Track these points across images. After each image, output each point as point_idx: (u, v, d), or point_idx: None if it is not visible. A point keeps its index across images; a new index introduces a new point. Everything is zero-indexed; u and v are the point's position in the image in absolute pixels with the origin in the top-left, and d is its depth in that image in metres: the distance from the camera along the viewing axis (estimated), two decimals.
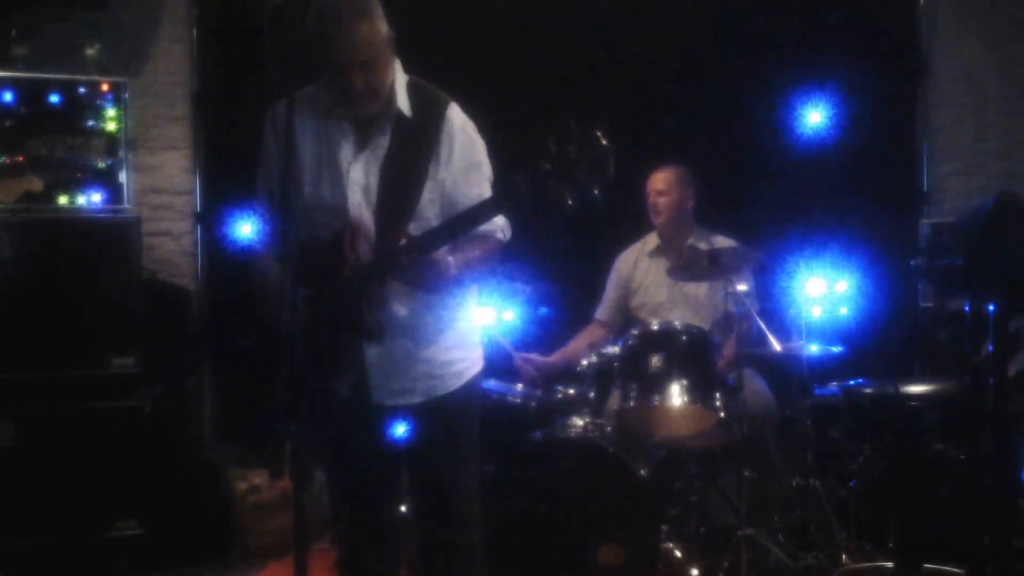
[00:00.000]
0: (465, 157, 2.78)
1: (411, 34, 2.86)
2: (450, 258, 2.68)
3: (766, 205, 5.31)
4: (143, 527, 4.37)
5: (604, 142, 2.33)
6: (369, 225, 2.72)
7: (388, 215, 2.72)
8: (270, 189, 2.77)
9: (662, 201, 4.65)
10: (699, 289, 4.60)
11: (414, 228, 2.71)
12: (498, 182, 2.79)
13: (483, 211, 2.62)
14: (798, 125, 5.42)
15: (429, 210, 2.76)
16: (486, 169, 2.84)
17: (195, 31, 5.29)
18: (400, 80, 2.77)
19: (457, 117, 2.80)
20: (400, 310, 2.74)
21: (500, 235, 2.82)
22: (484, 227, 2.76)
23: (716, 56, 5.43)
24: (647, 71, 5.45)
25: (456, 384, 2.88)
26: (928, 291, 4.99)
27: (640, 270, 4.78)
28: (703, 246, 4.51)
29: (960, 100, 5.58)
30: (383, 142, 2.74)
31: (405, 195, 2.73)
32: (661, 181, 4.67)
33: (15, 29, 4.74)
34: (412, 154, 2.73)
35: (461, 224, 2.64)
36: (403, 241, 2.60)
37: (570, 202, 2.36)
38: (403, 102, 2.74)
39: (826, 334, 4.36)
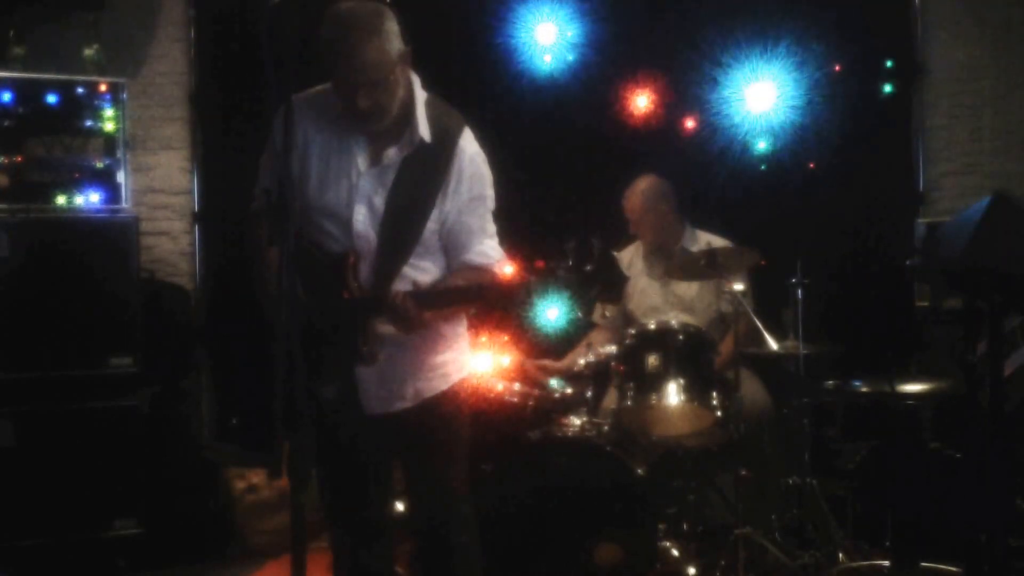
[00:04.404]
0: (472, 190, 2.78)
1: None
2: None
3: (762, 204, 5.33)
4: (142, 526, 4.37)
5: (622, 270, 2.39)
6: (373, 246, 2.73)
7: (392, 239, 2.73)
8: (267, 188, 2.77)
9: (643, 227, 4.65)
10: (690, 290, 4.61)
11: (416, 255, 2.74)
12: (508, 279, 2.79)
13: (493, 293, 2.63)
14: (794, 124, 5.47)
15: (431, 238, 2.77)
16: (490, 202, 2.84)
17: (193, 32, 5.29)
18: (419, 98, 2.75)
19: (469, 146, 2.79)
20: (390, 328, 2.73)
21: (497, 267, 2.81)
22: (482, 260, 2.78)
23: (712, 55, 5.44)
24: (644, 65, 5.47)
25: (444, 385, 2.90)
26: (924, 290, 5.00)
27: (635, 272, 4.77)
28: (695, 247, 4.52)
29: (955, 100, 5.60)
30: (396, 161, 2.73)
31: (411, 222, 2.73)
32: (633, 209, 4.66)
33: (13, 29, 4.73)
34: (423, 181, 2.73)
35: (465, 296, 2.68)
36: (399, 296, 2.61)
37: (580, 315, 2.44)
38: (423, 127, 2.72)
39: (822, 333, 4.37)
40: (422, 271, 2.77)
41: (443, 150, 2.74)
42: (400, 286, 2.69)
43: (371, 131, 2.73)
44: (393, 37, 2.62)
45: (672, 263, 4.47)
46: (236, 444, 5.13)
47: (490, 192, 2.84)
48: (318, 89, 2.78)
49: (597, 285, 2.40)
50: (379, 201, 2.73)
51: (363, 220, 2.73)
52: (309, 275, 2.57)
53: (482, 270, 2.76)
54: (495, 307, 2.71)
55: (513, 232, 3.04)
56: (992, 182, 5.45)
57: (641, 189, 4.68)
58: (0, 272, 4.26)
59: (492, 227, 2.85)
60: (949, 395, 4.07)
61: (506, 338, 4.45)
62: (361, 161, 2.75)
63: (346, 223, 2.74)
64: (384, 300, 2.63)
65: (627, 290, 4.77)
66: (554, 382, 4.35)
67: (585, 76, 5.41)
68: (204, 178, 5.33)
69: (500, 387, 4.16)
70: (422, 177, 2.73)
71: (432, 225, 2.75)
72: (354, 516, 2.95)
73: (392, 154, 2.73)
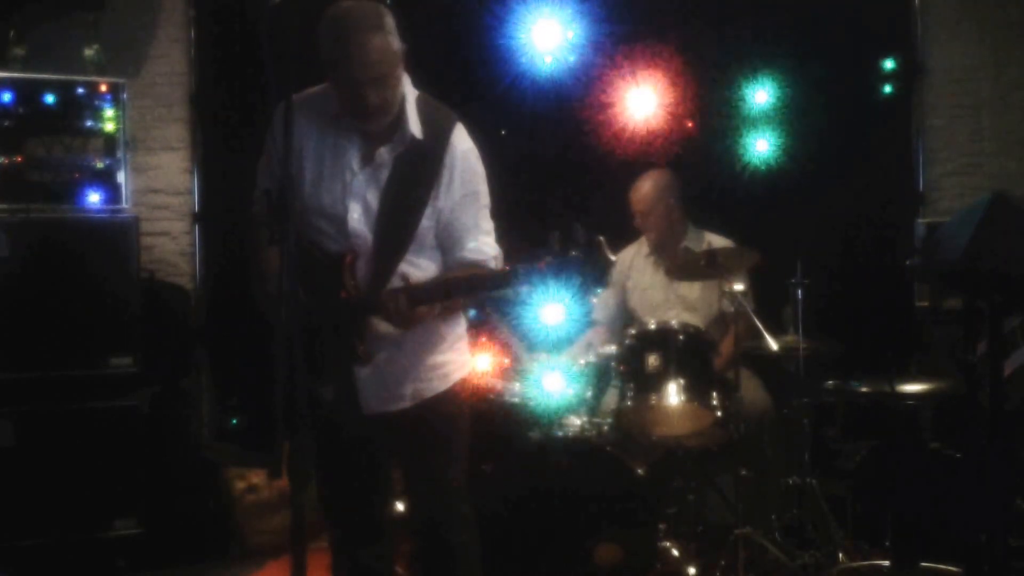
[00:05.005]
0: (464, 186, 2.78)
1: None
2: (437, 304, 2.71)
3: (762, 204, 5.33)
4: (142, 526, 4.37)
5: (607, 253, 2.40)
6: (369, 245, 2.73)
7: (388, 238, 2.73)
8: (267, 189, 2.77)
9: (649, 221, 4.66)
10: (693, 289, 4.61)
11: (412, 252, 2.75)
12: (496, 269, 2.79)
13: (482, 283, 2.65)
14: (794, 124, 5.47)
15: (427, 235, 2.78)
16: (484, 198, 2.85)
17: (193, 32, 5.29)
18: (410, 97, 2.76)
19: (461, 143, 2.79)
20: (388, 328, 2.74)
21: (493, 264, 2.81)
22: (477, 257, 2.78)
23: (711, 55, 5.45)
24: (644, 66, 5.47)
25: (443, 386, 2.90)
26: (924, 290, 5.01)
27: (636, 270, 4.79)
28: (698, 247, 4.52)
29: (955, 100, 5.60)
30: (389, 160, 2.74)
31: (406, 220, 2.74)
32: (642, 201, 4.66)
33: (13, 29, 4.74)
34: (416, 179, 2.74)
35: (456, 288, 2.68)
36: (395, 290, 2.63)
37: (566, 300, 2.45)
38: (415, 124, 2.73)
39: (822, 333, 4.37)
40: (419, 268, 2.78)
41: (435, 147, 2.75)
42: (397, 284, 2.70)
43: (365, 130, 2.74)
44: (395, 32, 2.65)
45: (674, 262, 4.48)
46: (236, 444, 5.13)
47: (483, 188, 2.84)
48: (312, 90, 2.79)
49: (584, 270, 2.39)
50: (373, 200, 2.74)
51: (358, 219, 2.74)
52: (307, 275, 2.57)
53: (477, 267, 2.77)
54: (487, 299, 2.73)
55: (514, 232, 3.04)
56: (992, 182, 5.45)
57: (651, 181, 4.68)
58: (0, 272, 4.26)
59: (488, 224, 2.85)
60: (949, 395, 4.07)
61: (504, 337, 4.46)
62: (355, 161, 2.76)
63: (341, 223, 2.75)
64: (377, 298, 2.64)
65: (628, 287, 4.78)
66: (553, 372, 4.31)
67: (585, 77, 5.41)
68: (204, 178, 5.33)
69: (500, 387, 4.16)
70: (415, 174, 2.74)
71: (427, 222, 2.76)
72: (354, 516, 2.95)
73: (385, 153, 2.74)
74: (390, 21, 2.64)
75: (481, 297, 2.81)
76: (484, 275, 2.67)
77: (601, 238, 2.41)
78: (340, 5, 2.65)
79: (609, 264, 2.41)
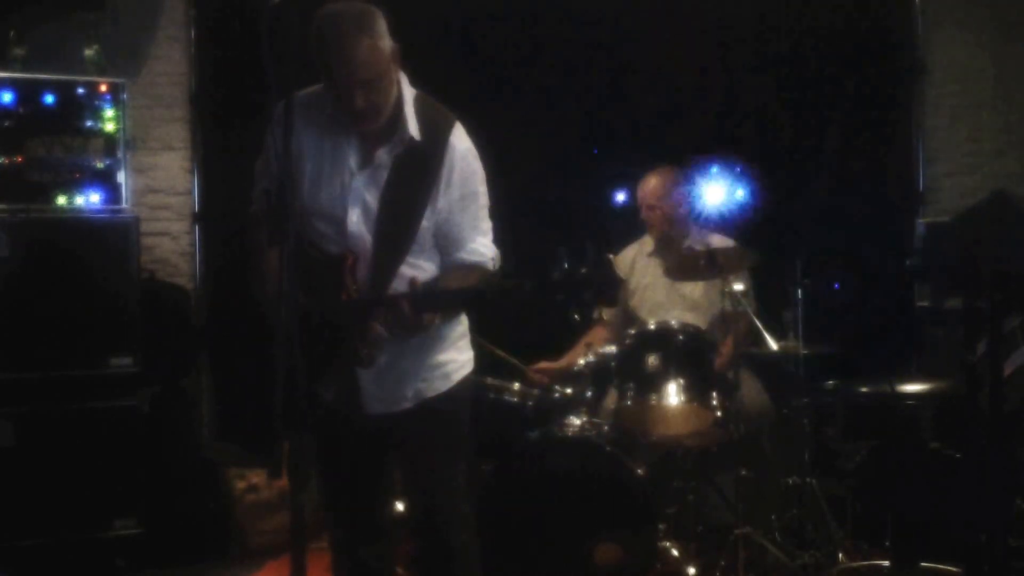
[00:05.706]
0: (463, 186, 2.76)
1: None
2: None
3: (762, 204, 5.33)
4: (142, 526, 4.37)
5: (616, 272, 2.40)
6: (368, 246, 2.73)
7: (388, 239, 2.72)
8: (267, 189, 2.77)
9: (654, 215, 4.66)
10: (696, 289, 4.61)
11: (413, 254, 2.74)
12: (505, 280, 2.78)
13: (487, 294, 2.62)
14: (794, 124, 5.47)
15: (426, 237, 2.76)
16: (483, 199, 2.83)
17: (193, 32, 5.29)
18: (407, 96, 2.75)
19: (460, 143, 2.77)
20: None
21: (490, 265, 2.80)
22: (474, 259, 2.77)
23: (713, 55, 5.45)
24: (646, 69, 5.47)
25: (444, 386, 2.89)
26: (924, 290, 5.01)
27: (638, 269, 4.79)
28: (700, 247, 4.52)
29: (955, 100, 5.60)
30: (387, 161, 2.73)
31: (406, 222, 2.72)
32: (651, 195, 4.66)
33: (13, 29, 4.73)
34: (415, 181, 2.72)
35: (458, 298, 2.68)
36: (399, 295, 2.62)
37: (576, 317, 2.44)
38: (412, 125, 2.71)
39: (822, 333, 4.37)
40: (420, 270, 2.77)
41: (434, 147, 2.73)
42: (398, 286, 2.69)
43: (363, 131, 2.73)
44: (384, 35, 2.63)
45: (675, 261, 4.48)
46: (236, 444, 5.13)
47: (482, 188, 2.83)
48: (309, 91, 2.77)
49: (593, 287, 2.39)
50: (372, 201, 2.73)
51: (357, 221, 2.73)
52: (308, 276, 2.57)
53: (474, 269, 2.76)
54: (491, 308, 2.71)
55: (515, 233, 3.03)
56: (991, 182, 5.46)
57: (658, 177, 4.68)
58: (0, 272, 4.26)
59: (486, 224, 2.84)
60: (949, 395, 4.07)
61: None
62: (353, 162, 2.75)
63: (340, 224, 2.74)
64: (381, 302, 2.63)
65: (630, 287, 4.77)
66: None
67: None
68: (204, 178, 5.32)
69: (500, 387, 4.16)
70: (414, 175, 2.72)
71: (426, 223, 2.74)
72: (354, 516, 2.95)
73: (384, 154, 2.73)
74: (381, 23, 2.62)
75: (483, 306, 2.79)
76: (490, 286, 2.65)
77: (610, 255, 2.41)
78: (329, 6, 2.63)
79: (618, 283, 2.40)
